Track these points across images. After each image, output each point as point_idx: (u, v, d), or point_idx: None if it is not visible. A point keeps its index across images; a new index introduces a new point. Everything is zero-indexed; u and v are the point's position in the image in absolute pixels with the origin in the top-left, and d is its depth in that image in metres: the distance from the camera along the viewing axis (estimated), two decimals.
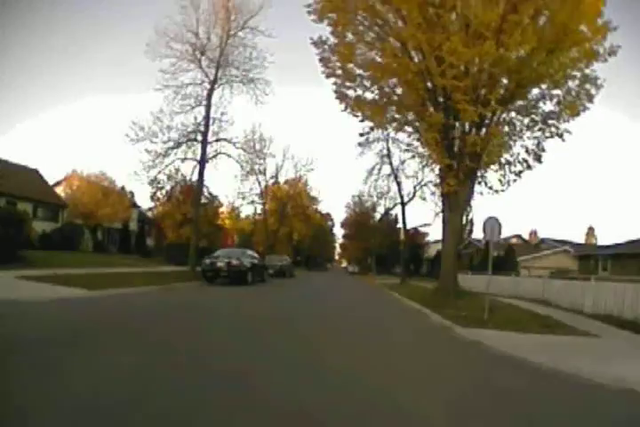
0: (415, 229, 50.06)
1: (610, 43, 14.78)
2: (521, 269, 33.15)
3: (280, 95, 71.11)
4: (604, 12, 14.25)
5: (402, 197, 32.73)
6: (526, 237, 58.86)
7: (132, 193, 44.56)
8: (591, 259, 30.43)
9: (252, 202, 39.41)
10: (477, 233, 47.90)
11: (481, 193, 16.91)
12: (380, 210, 48.83)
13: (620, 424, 3.88)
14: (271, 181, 41.42)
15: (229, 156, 20.68)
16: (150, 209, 52.84)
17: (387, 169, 32.24)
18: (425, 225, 41.25)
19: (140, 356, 5.03)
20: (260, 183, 37.93)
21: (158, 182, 27.07)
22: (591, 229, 77.06)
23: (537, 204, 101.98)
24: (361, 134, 17.86)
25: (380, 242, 51.06)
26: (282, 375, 4.55)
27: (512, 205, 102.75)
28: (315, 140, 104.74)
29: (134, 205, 44.49)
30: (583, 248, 38.67)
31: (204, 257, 19.07)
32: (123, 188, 39.74)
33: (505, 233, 63.56)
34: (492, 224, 10.16)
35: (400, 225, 44.37)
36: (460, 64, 12.29)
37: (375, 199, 43.33)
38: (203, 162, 19.01)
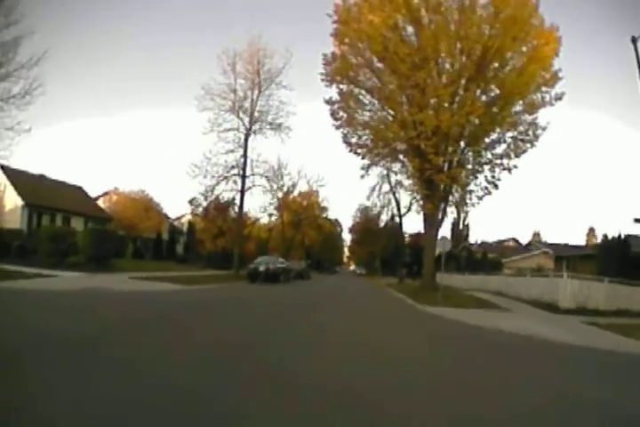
0: (419, 233, 55.47)
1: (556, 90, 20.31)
2: (505, 268, 38.42)
3: (297, 122, 75.27)
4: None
5: (399, 210, 38.15)
6: (522, 238, 64.13)
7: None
8: (564, 259, 35.58)
9: (271, 215, 45.09)
10: (473, 236, 53.36)
11: (451, 212, 22.35)
12: (384, 217, 54.32)
13: (486, 342, 9.09)
14: (287, 195, 47.04)
15: (263, 186, 26.58)
16: (177, 219, 59.04)
17: (386, 187, 37.58)
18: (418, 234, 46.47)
19: (259, 308, 10.94)
20: (278, 199, 43.54)
21: (197, 201, 33.17)
22: (591, 230, 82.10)
23: (546, 206, 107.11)
24: (362, 168, 23.24)
25: (384, 246, 56.36)
26: (324, 317, 10.19)
27: (521, 208, 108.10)
28: (326, 153, 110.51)
29: (165, 217, 50.60)
30: (563, 250, 43.73)
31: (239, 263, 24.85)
32: (158, 204, 45.71)
33: (502, 236, 68.87)
34: (445, 241, 15.68)
35: (404, 229, 50.12)
36: (428, 129, 17.84)
37: (379, 208, 48.75)
38: (242, 192, 24.87)
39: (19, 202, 33.98)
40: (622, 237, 20.14)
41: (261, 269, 22.36)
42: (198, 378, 4.03)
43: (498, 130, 20.66)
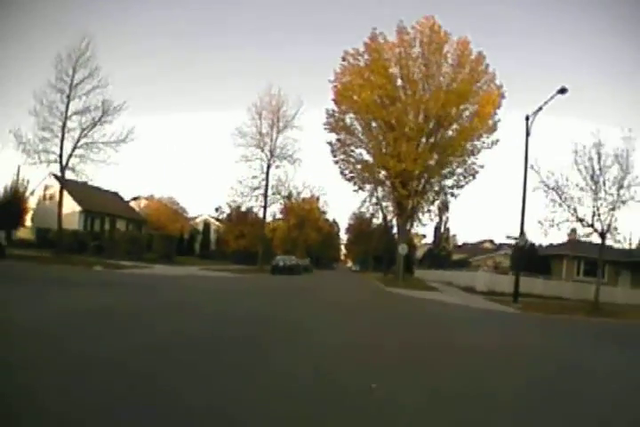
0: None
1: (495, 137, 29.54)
2: (472, 266, 47.75)
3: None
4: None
5: (385, 218, 47.20)
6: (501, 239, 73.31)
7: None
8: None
9: (278, 219, 54.25)
10: (462, 238, 62.90)
11: (417, 226, 31.59)
12: (375, 220, 63.60)
13: (424, 306, 18.38)
14: (292, 201, 56.19)
15: (280, 203, 35.87)
16: (193, 219, 68.12)
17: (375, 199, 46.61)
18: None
19: (292, 283, 20.12)
20: (285, 205, 52.66)
21: (221, 209, 42.52)
22: (573, 231, 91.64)
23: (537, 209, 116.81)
24: (354, 190, 32.32)
25: (375, 246, 65.63)
26: (319, 287, 19.47)
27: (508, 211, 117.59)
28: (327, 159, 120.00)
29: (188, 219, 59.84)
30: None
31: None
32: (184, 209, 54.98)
33: (480, 237, 78.05)
34: (404, 247, 24.91)
35: (394, 231, 59.65)
36: (397, 171, 27.06)
37: (370, 214, 57.91)
38: (265, 207, 34.24)
39: (76, 208, 42.67)
40: (532, 243, 29.57)
41: (281, 264, 31.68)
42: (288, 299, 13.30)
43: (448, 168, 29.94)
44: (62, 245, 28.44)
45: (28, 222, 43.47)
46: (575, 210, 21.22)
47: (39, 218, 43.10)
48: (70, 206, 43.58)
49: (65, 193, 43.86)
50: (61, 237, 28.30)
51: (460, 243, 75.56)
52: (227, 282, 19.32)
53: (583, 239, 32.43)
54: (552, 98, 19.80)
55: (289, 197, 56.83)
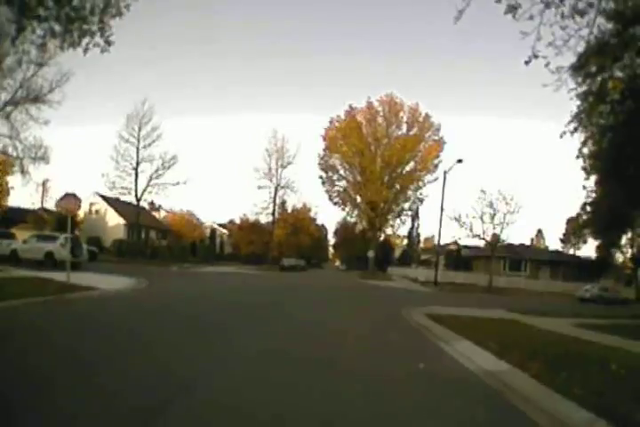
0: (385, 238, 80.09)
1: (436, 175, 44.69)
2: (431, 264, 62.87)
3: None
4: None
5: (362, 229, 62.19)
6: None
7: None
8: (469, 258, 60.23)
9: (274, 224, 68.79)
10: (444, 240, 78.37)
11: (385, 233, 46.74)
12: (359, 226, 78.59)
13: (376, 287, 33.30)
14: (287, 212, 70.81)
15: (286, 220, 50.58)
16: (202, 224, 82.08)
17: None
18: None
19: (299, 277, 35.15)
20: (282, 216, 67.19)
21: (233, 221, 57.14)
22: (540, 232, 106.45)
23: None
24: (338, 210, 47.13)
25: (358, 248, 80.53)
26: (315, 278, 34.38)
27: None
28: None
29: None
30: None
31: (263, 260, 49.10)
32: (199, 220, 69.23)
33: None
34: (372, 252, 39.81)
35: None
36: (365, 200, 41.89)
37: (353, 222, 72.87)
38: (273, 223, 48.79)
39: (121, 221, 56.44)
40: (458, 245, 44.88)
41: (286, 264, 46.39)
42: (297, 283, 28.28)
43: (404, 197, 45.03)
44: (132, 252, 42.35)
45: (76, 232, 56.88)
46: (471, 229, 36.57)
47: (87, 228, 56.72)
48: (116, 220, 57.54)
49: (108, 208, 57.97)
50: (136, 246, 42.54)
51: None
52: (262, 275, 33.87)
53: (509, 243, 48.00)
54: (453, 166, 34.92)
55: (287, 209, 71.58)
